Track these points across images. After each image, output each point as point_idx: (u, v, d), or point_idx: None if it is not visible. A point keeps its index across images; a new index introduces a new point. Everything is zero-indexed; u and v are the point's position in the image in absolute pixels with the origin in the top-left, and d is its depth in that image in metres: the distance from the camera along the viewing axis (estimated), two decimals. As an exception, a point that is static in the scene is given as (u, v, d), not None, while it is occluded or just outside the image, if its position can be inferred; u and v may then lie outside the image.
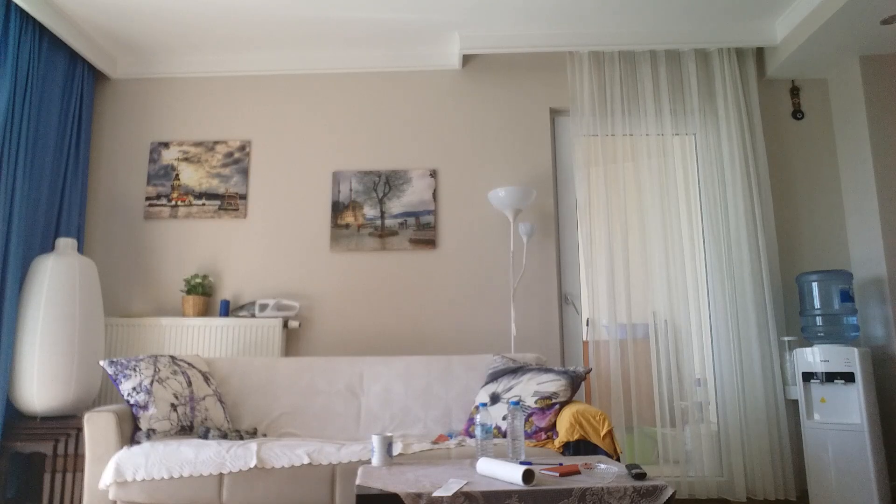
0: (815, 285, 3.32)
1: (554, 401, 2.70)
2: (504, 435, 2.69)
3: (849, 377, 3.11)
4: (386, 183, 3.80)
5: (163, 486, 2.40)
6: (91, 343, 3.14)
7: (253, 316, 3.57)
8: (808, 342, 3.49)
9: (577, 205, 3.76)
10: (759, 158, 3.69)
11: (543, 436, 2.64)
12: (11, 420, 3.05)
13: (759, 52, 3.88)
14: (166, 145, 3.90)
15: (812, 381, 3.25)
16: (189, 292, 3.58)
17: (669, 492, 1.73)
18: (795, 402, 3.41)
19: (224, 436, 2.71)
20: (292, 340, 3.66)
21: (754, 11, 3.58)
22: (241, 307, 3.60)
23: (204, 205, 3.83)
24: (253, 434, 2.85)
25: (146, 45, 3.86)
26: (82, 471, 2.99)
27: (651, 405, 3.48)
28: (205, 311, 3.62)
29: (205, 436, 2.68)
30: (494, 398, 2.85)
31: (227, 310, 3.59)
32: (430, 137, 3.88)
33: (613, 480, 1.78)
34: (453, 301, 3.68)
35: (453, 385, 3.12)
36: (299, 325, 3.60)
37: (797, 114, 3.84)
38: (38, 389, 2.98)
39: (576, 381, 2.75)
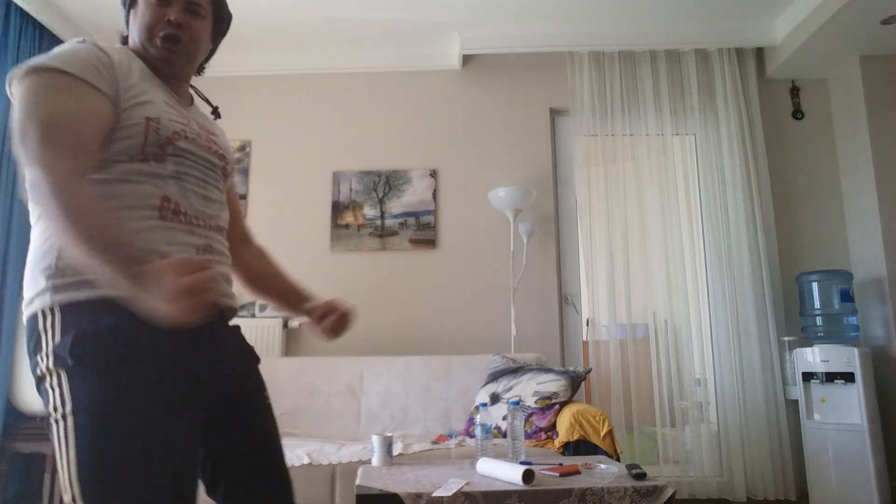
0: (815, 285, 3.31)
1: (554, 401, 2.70)
2: (504, 435, 2.69)
3: (849, 377, 3.11)
4: (386, 183, 3.80)
5: (163, 486, 2.40)
6: (91, 343, 3.13)
7: (253, 316, 3.57)
8: (808, 342, 3.49)
9: (577, 205, 3.75)
10: (759, 158, 3.68)
11: (543, 436, 2.64)
12: (11, 420, 3.05)
13: (759, 52, 3.87)
14: (166, 145, 3.89)
15: (812, 381, 3.25)
16: (189, 292, 3.58)
17: (669, 492, 1.73)
18: (795, 402, 3.41)
19: (224, 436, 2.70)
20: (292, 340, 3.66)
21: (754, 11, 3.58)
22: (241, 307, 3.60)
23: (204, 205, 3.82)
24: (253, 434, 2.84)
25: (146, 45, 3.85)
26: (82, 471, 2.99)
27: (651, 405, 3.48)
28: (205, 311, 3.61)
29: (205, 436, 2.68)
30: (494, 398, 2.85)
31: (227, 310, 3.58)
32: (430, 137, 3.87)
33: (613, 480, 1.78)
34: (453, 301, 3.68)
35: (453, 385, 3.12)
36: (299, 325, 3.60)
37: (797, 114, 3.83)
38: (38, 389, 2.98)
39: (576, 381, 2.75)
